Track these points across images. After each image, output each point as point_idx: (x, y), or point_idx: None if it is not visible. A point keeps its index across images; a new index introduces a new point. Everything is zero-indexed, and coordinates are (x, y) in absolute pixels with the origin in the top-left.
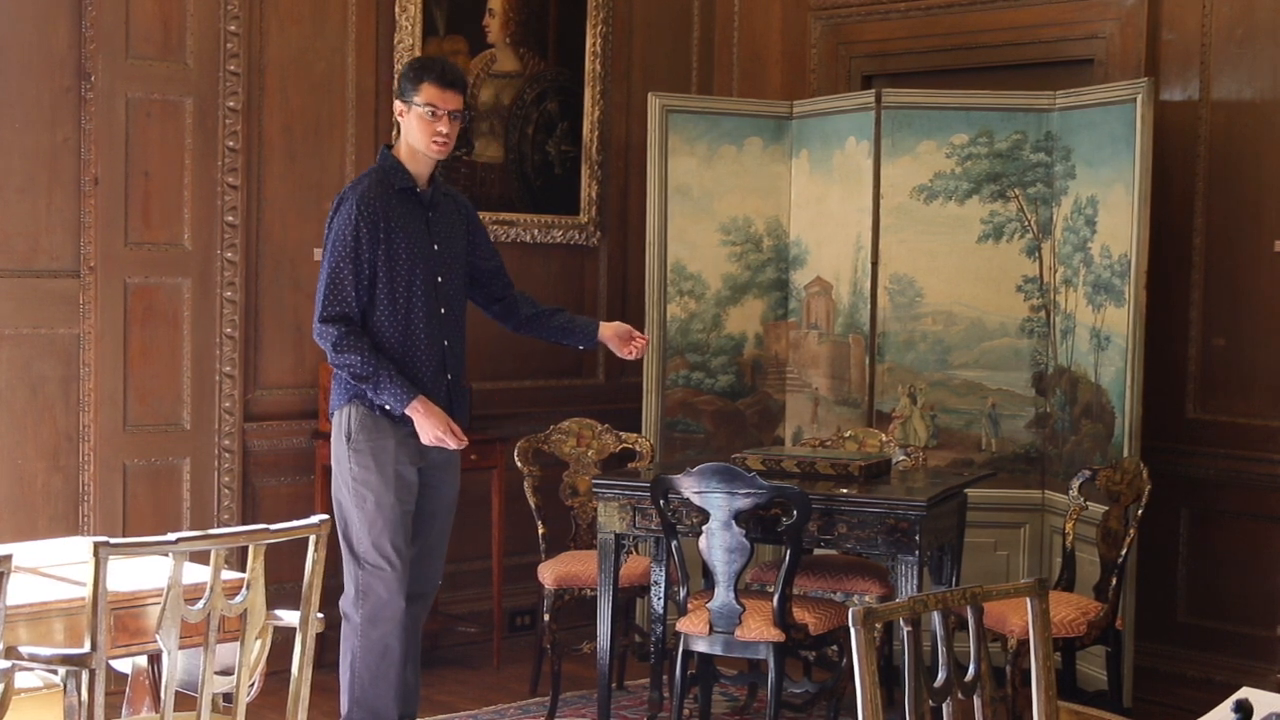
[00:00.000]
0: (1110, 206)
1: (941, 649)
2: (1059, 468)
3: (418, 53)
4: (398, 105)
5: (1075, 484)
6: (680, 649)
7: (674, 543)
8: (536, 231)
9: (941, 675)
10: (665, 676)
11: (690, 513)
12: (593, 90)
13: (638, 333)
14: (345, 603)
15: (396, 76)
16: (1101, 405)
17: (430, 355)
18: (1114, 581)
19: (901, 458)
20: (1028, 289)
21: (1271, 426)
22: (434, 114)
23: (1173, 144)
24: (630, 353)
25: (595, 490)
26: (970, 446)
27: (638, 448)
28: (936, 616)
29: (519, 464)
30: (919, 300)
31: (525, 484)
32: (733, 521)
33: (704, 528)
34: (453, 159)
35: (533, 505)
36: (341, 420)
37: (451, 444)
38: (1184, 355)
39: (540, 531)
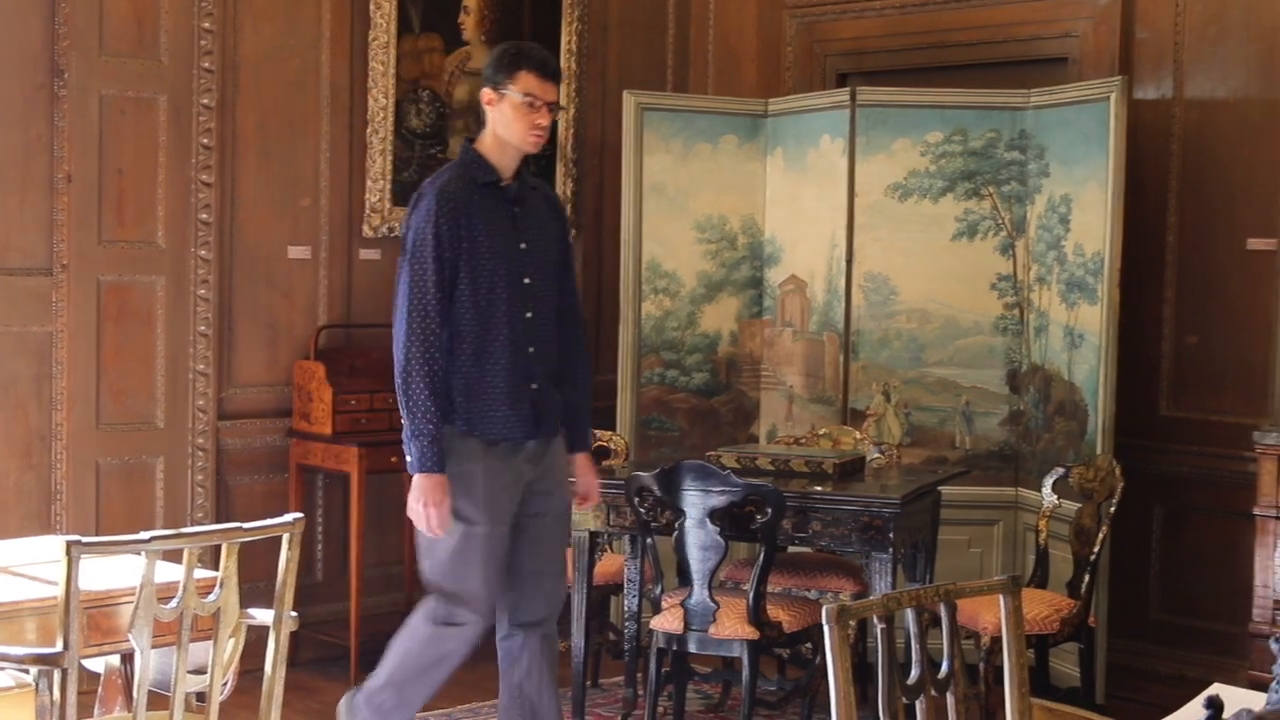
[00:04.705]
0: (1084, 204)
1: (915, 646)
2: (1032, 465)
3: (392, 51)
4: (486, 93)
5: (1049, 481)
6: (654, 647)
7: (648, 540)
8: None
9: (915, 672)
10: (640, 674)
11: (664, 510)
12: (568, 87)
13: (594, 495)
14: (426, 606)
15: (371, 73)
16: (1075, 403)
17: (511, 363)
18: (1087, 578)
19: (876, 455)
20: (1002, 287)
21: (1243, 424)
22: (532, 105)
23: (1146, 142)
24: (579, 502)
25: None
26: (944, 444)
27: (612, 446)
28: (910, 614)
29: None
30: (893, 298)
31: None
32: (707, 519)
33: (678, 525)
34: (426, 156)
35: None
36: None
37: (430, 528)
38: (1157, 353)
39: None
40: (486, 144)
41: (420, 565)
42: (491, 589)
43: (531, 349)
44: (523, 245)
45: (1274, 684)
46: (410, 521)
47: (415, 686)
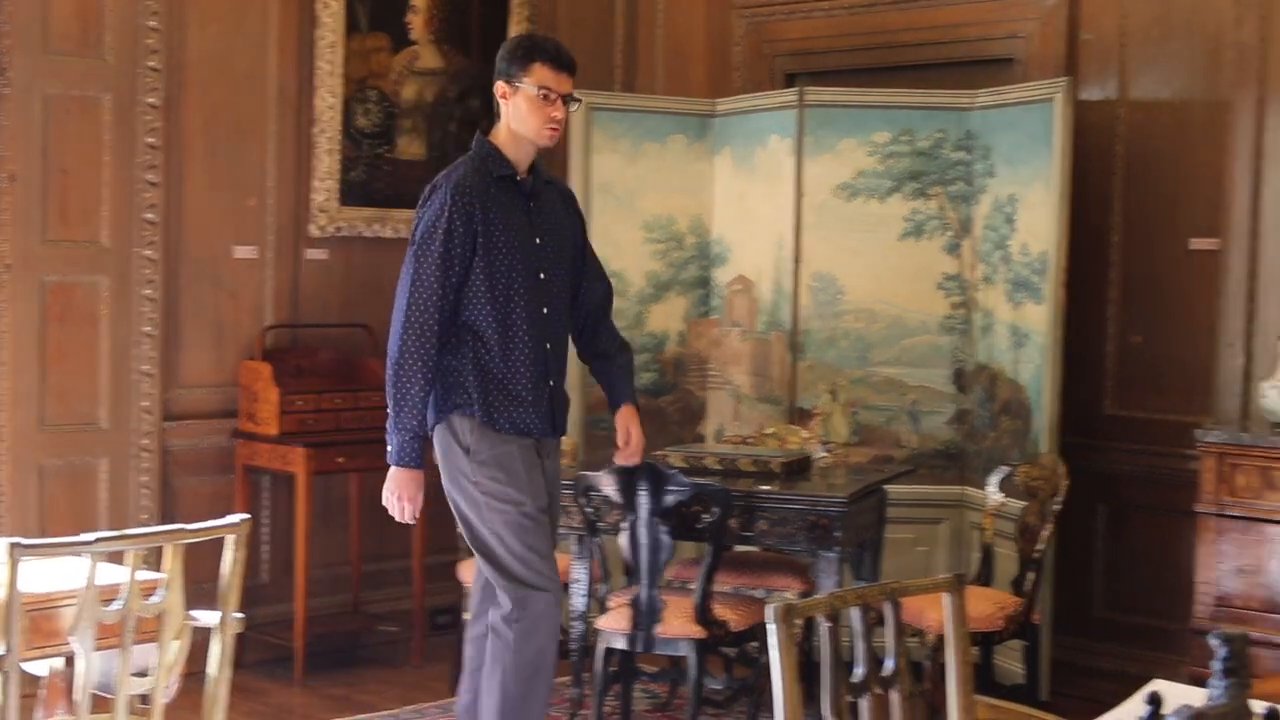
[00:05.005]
0: (1029, 205)
1: (860, 644)
2: (978, 464)
3: (339, 50)
4: (499, 86)
5: (994, 480)
6: (601, 646)
7: (595, 540)
8: None
9: (860, 670)
10: (586, 674)
11: (612, 510)
12: None
13: (638, 447)
14: (497, 618)
15: (318, 73)
16: (1020, 402)
17: (533, 360)
18: (1031, 576)
19: (822, 454)
20: (948, 286)
21: (1185, 422)
22: (547, 97)
23: (1091, 143)
24: (620, 458)
25: None
26: (890, 443)
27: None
28: (855, 612)
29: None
30: (840, 298)
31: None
32: (654, 518)
33: (625, 525)
34: (374, 156)
35: None
36: (451, 434)
37: (401, 517)
38: (1101, 352)
39: (460, 530)
40: (501, 137)
41: (483, 565)
42: (548, 552)
43: (548, 345)
44: (538, 240)
45: (1212, 679)
46: (463, 533)
47: (528, 705)
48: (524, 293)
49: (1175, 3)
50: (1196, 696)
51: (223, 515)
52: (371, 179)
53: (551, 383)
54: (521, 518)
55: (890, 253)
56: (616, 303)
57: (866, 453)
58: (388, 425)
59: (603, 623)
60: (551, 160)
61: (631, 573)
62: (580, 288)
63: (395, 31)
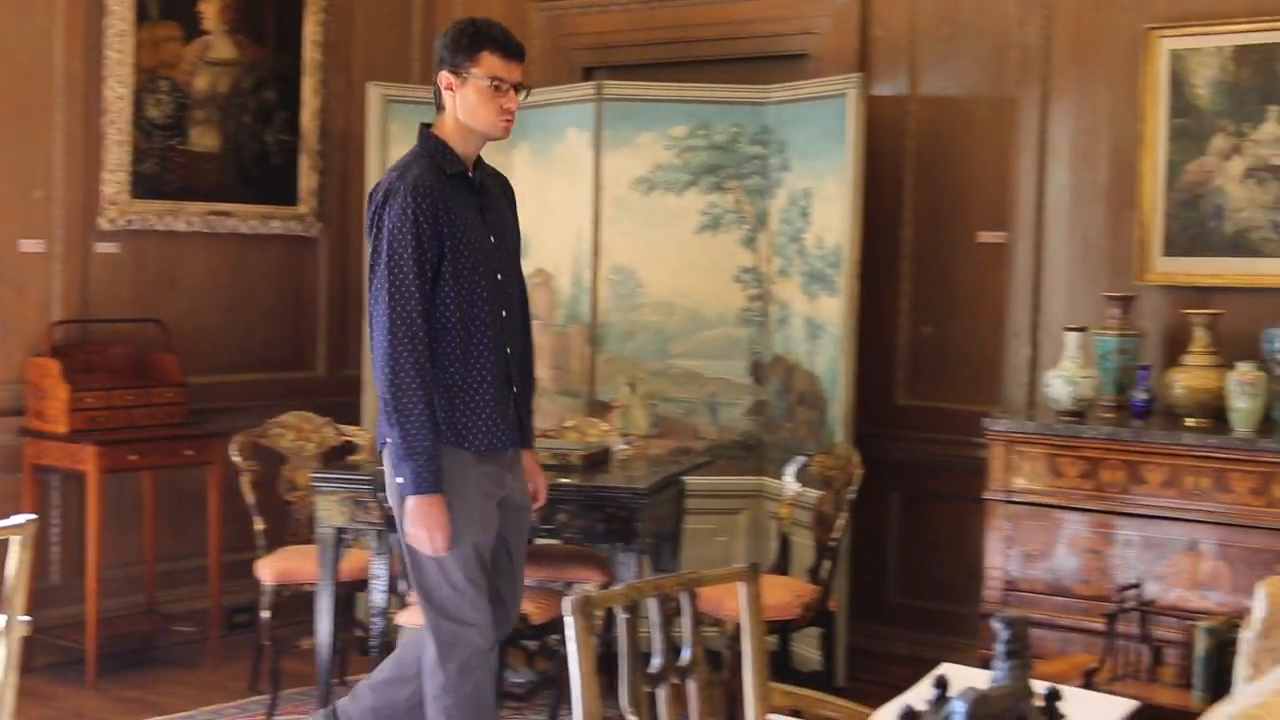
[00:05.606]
0: (824, 198)
1: (658, 635)
2: (776, 454)
3: (129, 39)
4: (444, 77)
5: (791, 470)
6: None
7: (394, 535)
8: (255, 222)
9: (657, 661)
10: None
11: None
12: (312, 79)
13: (543, 495)
14: (428, 660)
15: (107, 62)
16: (816, 393)
17: (496, 367)
18: (828, 564)
19: (622, 446)
20: (745, 279)
21: (973, 411)
22: (498, 88)
23: (883, 138)
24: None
25: (314, 484)
26: (689, 435)
27: (358, 440)
28: (653, 603)
29: (237, 459)
30: (639, 291)
31: (243, 479)
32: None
33: None
34: (166, 148)
35: (251, 501)
36: None
37: (436, 551)
38: (894, 343)
39: (258, 527)
40: (448, 130)
41: (416, 593)
42: (484, 586)
43: (509, 349)
44: (492, 239)
45: (996, 661)
46: (404, 556)
47: None
48: (487, 297)
49: (963, 2)
50: (983, 678)
51: (9, 515)
52: (164, 171)
53: (515, 390)
54: (460, 551)
55: (688, 246)
56: None
57: (666, 444)
58: (392, 453)
59: (403, 618)
60: (349, 153)
61: None
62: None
63: (187, 21)
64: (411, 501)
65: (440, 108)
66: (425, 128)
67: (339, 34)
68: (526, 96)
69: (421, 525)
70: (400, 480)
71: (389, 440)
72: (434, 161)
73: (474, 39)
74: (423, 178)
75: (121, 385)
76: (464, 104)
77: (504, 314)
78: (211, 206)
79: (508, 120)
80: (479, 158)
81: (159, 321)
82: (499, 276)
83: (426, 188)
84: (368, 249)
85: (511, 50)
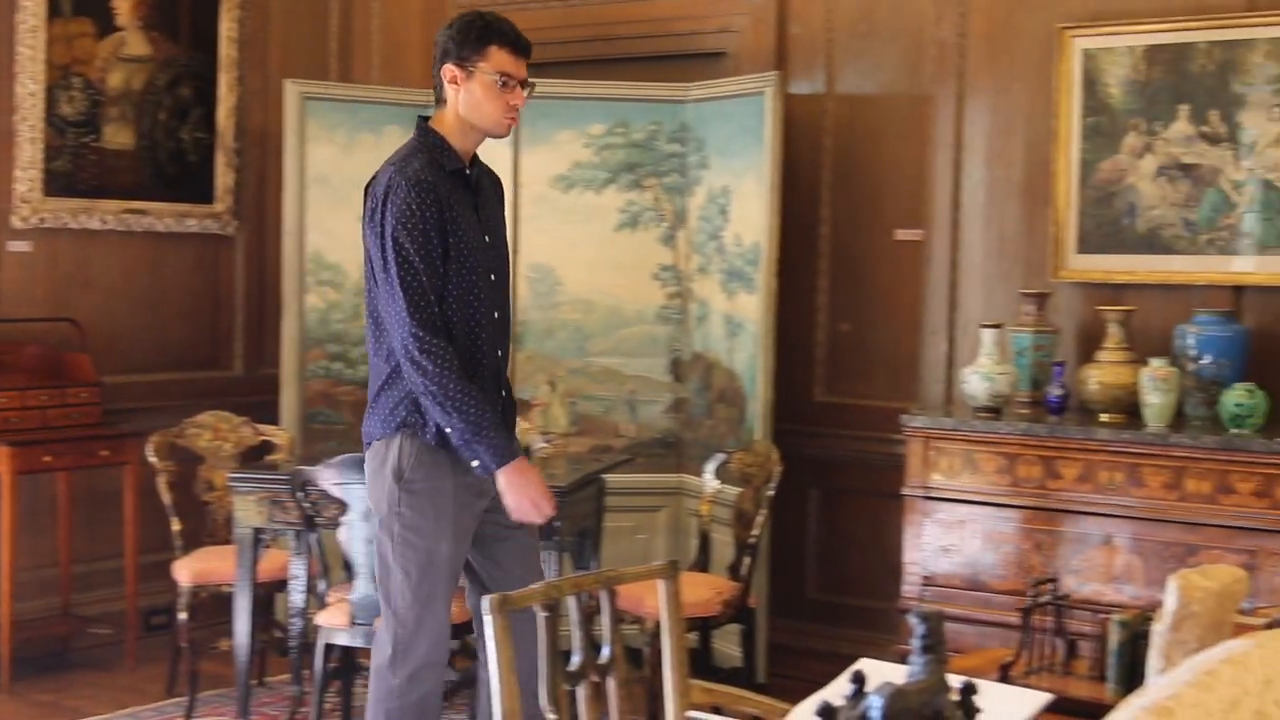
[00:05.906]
0: (742, 196)
1: (577, 633)
2: (695, 452)
3: (41, 35)
4: (449, 70)
5: (710, 467)
6: (321, 642)
7: (313, 535)
8: (170, 220)
9: (576, 659)
10: (306, 671)
11: (330, 505)
12: (229, 76)
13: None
14: (379, 660)
15: (18, 58)
16: (735, 390)
17: (492, 368)
18: (747, 561)
19: (542, 445)
20: (664, 277)
21: (891, 407)
22: (506, 84)
23: (801, 135)
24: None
25: (231, 484)
26: (609, 432)
27: (277, 440)
28: (572, 601)
29: (153, 459)
30: (558, 288)
31: (159, 480)
32: (372, 513)
33: (344, 519)
34: (79, 145)
35: (167, 501)
36: (390, 454)
37: (545, 516)
38: (812, 340)
39: (175, 528)
40: (448, 125)
41: (379, 595)
42: (449, 599)
43: (500, 352)
44: (487, 239)
45: (912, 656)
46: (374, 560)
47: None
48: (485, 298)
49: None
50: (900, 673)
51: None
52: (77, 169)
53: (504, 393)
54: (429, 563)
55: (607, 244)
56: (333, 295)
57: (586, 442)
58: (460, 439)
59: (322, 619)
60: (266, 151)
61: (350, 568)
62: None
63: (100, 16)
64: (502, 477)
65: (440, 101)
66: (423, 121)
67: (255, 30)
68: (531, 93)
69: (522, 496)
70: (477, 464)
71: (448, 430)
72: (433, 157)
73: (483, 32)
74: (422, 173)
75: (35, 385)
76: (468, 99)
77: (496, 315)
78: (126, 204)
79: (511, 118)
80: (475, 155)
81: (73, 321)
82: (492, 277)
83: (429, 183)
84: (365, 245)
85: (520, 46)
